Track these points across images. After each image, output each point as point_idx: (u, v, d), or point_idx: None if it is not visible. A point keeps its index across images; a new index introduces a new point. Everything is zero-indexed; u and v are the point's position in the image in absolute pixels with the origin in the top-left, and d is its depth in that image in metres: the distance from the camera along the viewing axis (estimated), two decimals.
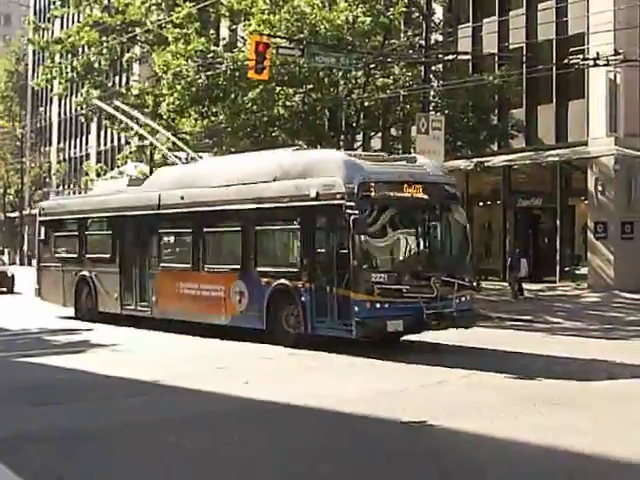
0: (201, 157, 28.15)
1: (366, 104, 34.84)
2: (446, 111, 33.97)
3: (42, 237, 29.81)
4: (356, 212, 17.74)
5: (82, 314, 26.84)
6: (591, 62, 29.00)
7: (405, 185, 18.71)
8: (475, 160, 37.28)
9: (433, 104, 34.06)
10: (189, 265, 23.14)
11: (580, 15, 36.80)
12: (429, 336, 19.50)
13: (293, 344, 19.22)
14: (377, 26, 34.03)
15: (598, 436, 10.57)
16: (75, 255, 27.74)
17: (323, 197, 18.82)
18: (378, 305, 17.89)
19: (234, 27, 42.47)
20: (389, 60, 34.27)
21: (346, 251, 18.13)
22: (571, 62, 29.74)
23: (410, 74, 34.87)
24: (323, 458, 9.75)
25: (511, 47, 39.61)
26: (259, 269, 20.73)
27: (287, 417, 12.19)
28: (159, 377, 15.32)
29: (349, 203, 17.96)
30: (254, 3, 34.71)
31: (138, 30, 42.33)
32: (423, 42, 33.90)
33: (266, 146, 28.34)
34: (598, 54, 28.64)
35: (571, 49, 30.78)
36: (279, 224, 21.10)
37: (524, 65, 36.80)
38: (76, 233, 28.03)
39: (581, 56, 29.70)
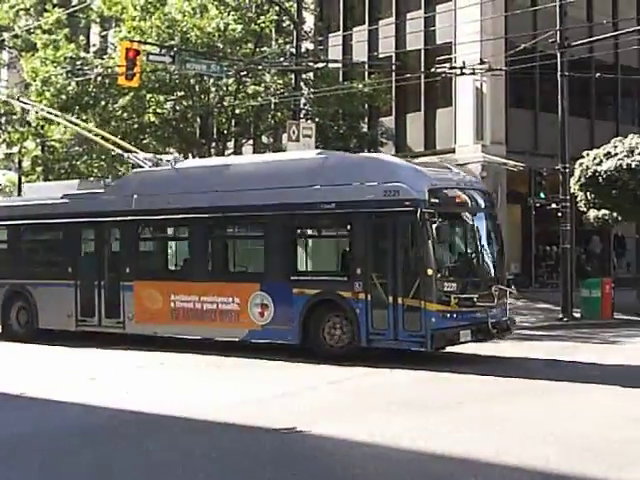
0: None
1: (237, 111, 34.91)
2: (317, 119, 34.28)
3: None
4: (433, 220, 17.10)
5: (9, 333, 23.85)
6: (458, 71, 29.62)
7: (464, 192, 18.51)
8: None
9: (304, 112, 34.31)
10: (183, 276, 21.32)
11: (448, 25, 37.50)
12: None
13: (336, 359, 17.89)
14: (248, 34, 34.18)
15: (465, 438, 10.79)
16: (6, 266, 24.49)
17: (385, 203, 17.79)
18: (448, 315, 17.27)
19: (105, 33, 42.05)
20: (260, 68, 34.39)
21: (415, 259, 17.52)
22: (438, 71, 30.29)
23: (281, 82, 35.10)
24: (187, 470, 9.60)
25: (381, 56, 40.07)
26: (292, 278, 19.02)
27: (155, 427, 12.07)
28: (24, 389, 15.05)
29: (424, 210, 17.16)
30: (125, 9, 34.47)
31: (6, 35, 41.47)
32: (294, 50, 34.08)
33: None
34: (464, 63, 29.32)
35: (439, 58, 31.32)
36: (323, 230, 20.05)
37: (393, 73, 37.33)
38: (6, 241, 24.79)
39: (448, 65, 30.26)
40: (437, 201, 17.54)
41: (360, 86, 35.42)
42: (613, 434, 10.98)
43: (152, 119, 34.36)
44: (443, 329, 17.25)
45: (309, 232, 20.27)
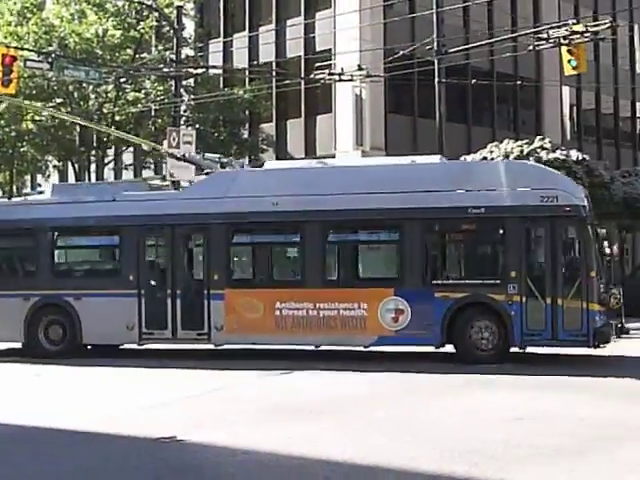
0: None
1: (117, 118, 34.60)
2: (197, 125, 34.22)
3: None
4: (592, 225, 18.33)
5: (38, 351, 21.03)
6: (336, 77, 29.91)
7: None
8: None
9: (184, 118, 34.24)
10: (293, 282, 20.20)
11: (328, 32, 37.87)
12: None
13: (488, 361, 18.02)
14: (127, 40, 33.98)
15: (346, 443, 10.93)
16: (27, 275, 22.14)
17: (543, 209, 18.21)
18: (604, 315, 18.24)
19: None
20: (140, 74, 34.16)
21: (577, 262, 18.45)
22: (317, 77, 30.53)
23: (161, 88, 34.95)
24: None
25: (261, 62, 40.24)
26: (434, 282, 18.89)
27: (26, 440, 11.88)
28: None
29: (587, 215, 18.37)
30: (0, 14, 33.83)
31: None
32: (174, 56, 33.95)
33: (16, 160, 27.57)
34: (342, 70, 29.65)
35: (318, 64, 31.59)
36: (469, 235, 19.80)
37: (274, 80, 37.49)
38: (37, 247, 21.71)
39: (327, 71, 30.53)
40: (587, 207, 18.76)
41: (240, 93, 35.50)
42: (492, 433, 11.28)
43: (30, 126, 33.80)
44: (603, 327, 18.13)
45: (453, 237, 20.20)
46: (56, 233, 21.52)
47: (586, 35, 25.42)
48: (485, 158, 30.03)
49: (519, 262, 18.45)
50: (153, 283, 20.83)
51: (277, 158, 39.18)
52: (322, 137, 38.87)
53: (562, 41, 25.67)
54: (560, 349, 18.72)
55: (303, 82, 36.79)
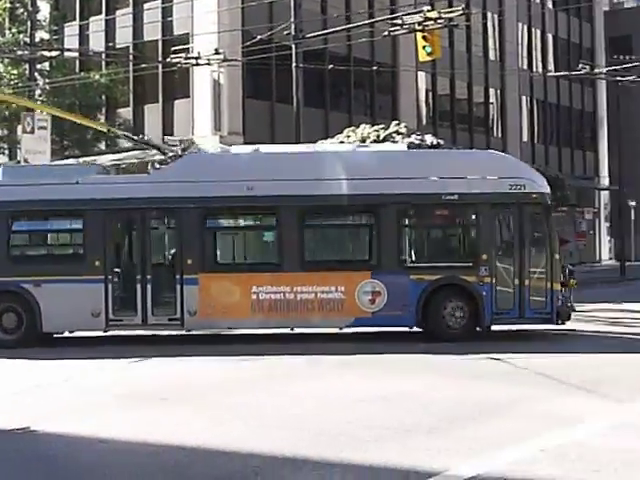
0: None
1: None
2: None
3: None
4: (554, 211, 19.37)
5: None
6: (193, 61, 29.73)
7: None
8: (82, 160, 37.01)
9: (39, 102, 33.47)
10: (269, 266, 20.12)
11: (185, 15, 37.59)
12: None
13: (459, 339, 19.13)
14: None
15: (203, 429, 10.95)
16: None
17: (511, 196, 19.58)
18: (564, 295, 19.79)
19: None
20: None
21: (543, 245, 19.75)
22: (174, 61, 30.28)
23: (15, 72, 34.11)
24: None
25: (118, 46, 39.68)
26: (409, 265, 19.91)
27: None
28: None
29: (550, 203, 20.07)
30: None
31: None
32: (28, 39, 33.20)
33: None
34: (199, 54, 29.49)
35: (175, 48, 31.35)
36: (442, 220, 21.07)
37: (131, 64, 37.04)
38: None
39: (184, 55, 30.33)
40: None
41: (97, 77, 34.91)
42: (342, 415, 11.47)
43: None
44: (563, 306, 19.67)
45: (427, 222, 20.92)
46: (12, 217, 20.26)
47: (440, 21, 25.87)
48: (342, 143, 30.32)
49: (489, 246, 19.75)
50: (122, 268, 20.25)
51: None
52: (180, 122, 38.61)
53: (417, 27, 26.06)
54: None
55: (160, 66, 36.47)
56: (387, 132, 31.35)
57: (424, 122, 48.34)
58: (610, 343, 19.15)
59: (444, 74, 49.96)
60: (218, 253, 20.73)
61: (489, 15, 54.71)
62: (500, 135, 55.38)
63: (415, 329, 19.91)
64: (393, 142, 29.81)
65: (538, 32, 60.67)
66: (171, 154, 22.01)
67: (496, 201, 19.68)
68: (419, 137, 31.27)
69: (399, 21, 27.06)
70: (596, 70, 39.70)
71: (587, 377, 14.41)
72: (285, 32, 29.88)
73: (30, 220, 20.96)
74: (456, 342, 18.78)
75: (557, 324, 19.64)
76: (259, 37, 31.73)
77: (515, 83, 56.38)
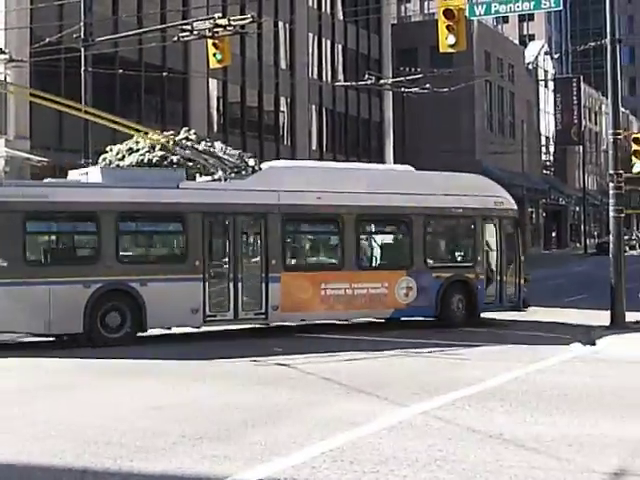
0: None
1: None
2: None
3: None
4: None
5: (100, 338, 19.91)
6: None
7: None
8: None
9: None
10: (334, 265, 23.49)
11: None
12: None
13: (464, 324, 23.86)
14: None
15: None
16: (88, 262, 20.65)
17: (495, 211, 25.16)
18: (525, 287, 25.54)
19: None
20: None
21: (514, 250, 25.41)
22: None
23: None
24: None
25: None
26: (431, 265, 24.25)
27: None
28: None
29: (517, 217, 26.45)
30: None
31: None
32: None
33: None
34: None
35: None
36: (452, 229, 25.81)
37: None
38: (94, 232, 20.72)
39: None
40: None
41: None
42: (129, 424, 11.49)
43: None
44: (525, 296, 25.46)
45: (441, 230, 25.74)
46: (121, 218, 20.85)
47: (230, 29, 26.04)
48: (131, 149, 30.12)
49: (482, 250, 24.94)
50: (216, 268, 21.76)
51: None
52: None
53: (207, 34, 26.16)
54: None
55: None
56: (177, 138, 31.26)
57: (215, 129, 48.57)
58: (393, 346, 19.85)
59: (235, 81, 50.39)
60: (295, 254, 23.73)
61: (280, 24, 55.51)
62: (289, 143, 56.26)
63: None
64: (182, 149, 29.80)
65: (328, 42, 61.99)
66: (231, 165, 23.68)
67: (485, 214, 24.97)
68: (209, 144, 31.40)
69: (189, 27, 27.09)
70: (382, 81, 40.77)
71: (368, 380, 14.96)
72: (75, 35, 29.37)
73: (134, 222, 21.86)
74: (459, 328, 23.44)
75: (522, 310, 25.35)
76: (48, 39, 31.10)
77: (305, 92, 57.47)
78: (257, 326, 22.85)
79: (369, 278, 23.41)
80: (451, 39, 21.52)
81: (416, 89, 34.56)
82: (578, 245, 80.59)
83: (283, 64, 56.72)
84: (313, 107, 59.20)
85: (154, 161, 29.59)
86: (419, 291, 23.66)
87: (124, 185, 20.95)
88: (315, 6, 60.78)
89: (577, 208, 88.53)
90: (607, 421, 11.77)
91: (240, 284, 21.56)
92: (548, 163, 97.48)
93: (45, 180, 22.80)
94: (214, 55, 26.19)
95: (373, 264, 24.48)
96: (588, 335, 21.57)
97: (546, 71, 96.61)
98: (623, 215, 24.10)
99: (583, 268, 48.05)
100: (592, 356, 18.97)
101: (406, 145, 56.16)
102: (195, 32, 26.60)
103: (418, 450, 9.92)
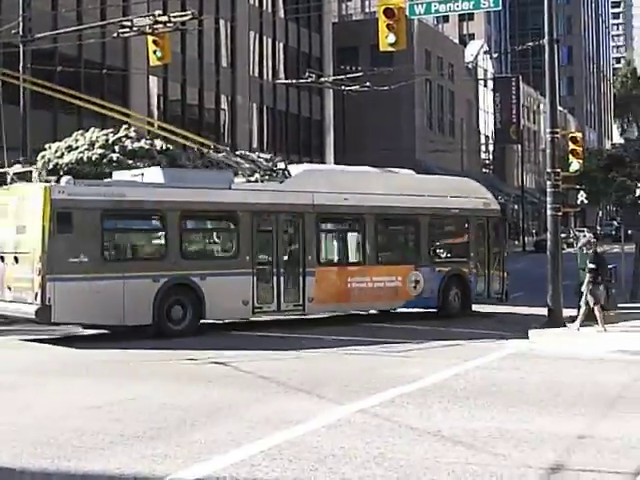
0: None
1: None
2: None
3: (69, 232, 20.22)
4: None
5: (167, 330, 21.06)
6: None
7: None
8: None
9: None
10: (357, 261, 25.52)
11: None
12: None
13: (457, 315, 26.11)
14: None
15: None
16: (156, 257, 22.02)
17: (484, 212, 27.53)
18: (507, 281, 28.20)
19: None
20: None
21: (499, 246, 27.87)
22: None
23: None
24: None
25: None
26: (434, 261, 26.58)
27: None
28: None
29: (501, 216, 28.37)
30: None
31: None
32: None
33: None
34: None
35: None
36: (450, 228, 28.15)
37: None
38: (162, 229, 22.11)
39: None
40: None
41: None
42: (67, 423, 11.42)
43: None
44: (508, 289, 27.90)
45: (442, 228, 27.93)
46: (183, 217, 22.20)
47: (169, 25, 25.88)
48: (70, 147, 29.89)
49: (475, 247, 27.39)
50: (263, 263, 23.35)
51: None
52: None
53: (147, 30, 26.00)
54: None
55: None
56: (116, 136, 31.16)
57: (155, 127, 48.21)
58: (337, 344, 19.94)
59: (176, 79, 50.19)
60: (326, 250, 25.43)
61: (221, 22, 55.36)
62: (230, 141, 56.14)
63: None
64: (122, 146, 29.74)
65: (269, 40, 61.97)
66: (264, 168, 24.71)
67: (476, 215, 27.34)
68: (149, 142, 31.28)
69: (129, 23, 26.91)
70: (323, 79, 40.81)
71: (308, 379, 15.02)
72: (13, 31, 29.02)
73: (195, 219, 23.35)
74: (455, 319, 25.52)
75: (504, 302, 27.58)
76: None
77: (246, 90, 57.38)
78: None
79: (386, 272, 25.56)
80: (391, 38, 21.62)
81: (356, 87, 34.61)
82: (517, 243, 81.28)
83: (224, 62, 56.58)
84: (254, 105, 59.15)
85: (93, 159, 29.38)
86: (425, 284, 26.03)
87: (185, 185, 22.26)
88: (256, 4, 60.75)
89: (516, 206, 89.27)
90: (543, 417, 11.96)
91: (282, 278, 23.39)
92: (487, 162, 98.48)
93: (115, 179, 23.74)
94: (154, 52, 26.04)
95: (389, 259, 26.24)
96: (526, 332, 21.86)
97: (485, 70, 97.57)
98: (560, 213, 24.35)
99: (521, 265, 48.41)
100: (529, 352, 19.26)
101: (347, 143, 56.43)
102: (135, 29, 26.43)
103: (356, 447, 10.00)
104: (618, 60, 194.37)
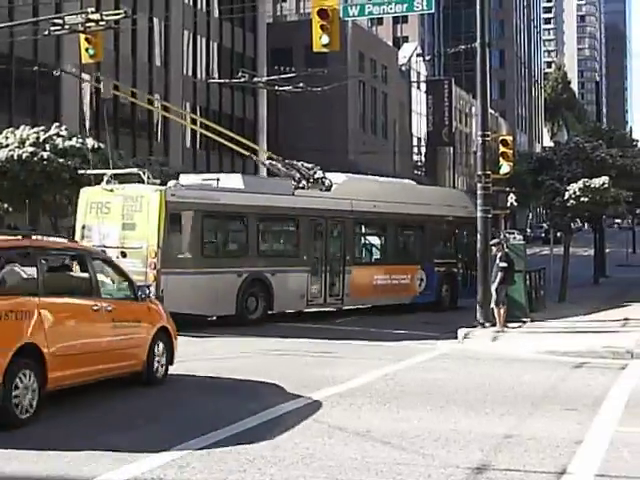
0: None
1: None
2: None
3: (178, 231, 23.48)
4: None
5: (246, 320, 24.40)
6: None
7: None
8: None
9: None
10: (381, 260, 29.93)
11: None
12: None
13: (450, 309, 29.77)
14: None
15: None
16: (239, 255, 25.31)
17: (466, 218, 29.39)
18: None
19: None
20: None
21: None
22: None
23: None
24: None
25: None
26: (435, 260, 30.49)
27: None
28: None
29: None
30: None
31: None
32: None
33: None
34: None
35: None
36: (444, 232, 31.64)
37: None
38: (244, 230, 25.55)
39: None
40: None
41: None
42: None
43: None
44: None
45: (439, 232, 31.47)
46: (259, 219, 25.60)
47: (102, 23, 25.60)
48: (0, 144, 29.49)
49: (461, 249, 31.04)
50: (314, 261, 26.78)
51: None
52: None
53: (79, 28, 25.69)
54: None
55: None
56: (47, 134, 30.82)
57: (87, 125, 47.82)
58: (268, 345, 19.92)
59: (109, 77, 49.60)
60: (360, 251, 29.50)
61: (155, 20, 55.09)
62: (163, 140, 55.83)
63: None
64: (54, 145, 29.42)
65: (203, 40, 61.76)
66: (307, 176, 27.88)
67: (463, 221, 30.23)
68: (80, 140, 30.98)
69: (61, 21, 26.58)
70: (256, 79, 40.76)
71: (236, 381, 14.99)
72: None
73: (267, 222, 26.45)
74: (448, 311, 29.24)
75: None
76: None
77: (179, 89, 57.11)
78: None
79: (401, 271, 29.56)
80: (325, 39, 21.66)
81: (290, 88, 34.65)
82: None
83: (157, 61, 56.26)
84: (187, 104, 58.83)
85: (24, 157, 29.03)
86: (427, 281, 29.98)
87: (260, 191, 25.40)
88: (190, 3, 60.50)
89: None
90: (471, 417, 12.08)
91: (328, 275, 27.05)
92: (419, 163, 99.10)
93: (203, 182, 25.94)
94: (86, 50, 25.72)
95: (403, 259, 29.92)
96: (455, 332, 22.06)
97: (419, 73, 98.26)
98: (490, 215, 24.60)
99: None
100: (459, 353, 19.47)
101: (279, 143, 56.30)
102: (67, 26, 26.09)
103: (285, 448, 10.01)
104: (549, 64, 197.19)
